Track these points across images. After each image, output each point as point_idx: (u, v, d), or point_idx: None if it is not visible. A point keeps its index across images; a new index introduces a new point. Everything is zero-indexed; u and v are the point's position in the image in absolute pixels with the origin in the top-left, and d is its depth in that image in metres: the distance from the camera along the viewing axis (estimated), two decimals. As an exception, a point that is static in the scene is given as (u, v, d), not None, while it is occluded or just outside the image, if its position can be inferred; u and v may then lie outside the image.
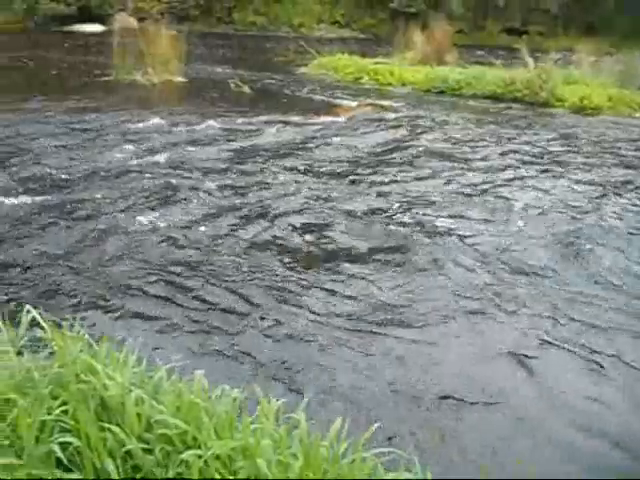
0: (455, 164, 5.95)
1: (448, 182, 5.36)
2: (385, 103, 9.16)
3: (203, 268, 3.49)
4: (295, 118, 7.71)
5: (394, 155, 6.23)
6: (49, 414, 1.56)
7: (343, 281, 3.41)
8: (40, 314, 2.02)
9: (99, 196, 4.57)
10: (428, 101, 9.87)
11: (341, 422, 1.68)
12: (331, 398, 2.42)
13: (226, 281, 3.34)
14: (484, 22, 23.69)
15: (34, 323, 1.99)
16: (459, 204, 4.78)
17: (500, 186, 5.31)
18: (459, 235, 4.14)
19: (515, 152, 6.59)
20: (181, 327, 2.87)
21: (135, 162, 5.50)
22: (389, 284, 3.39)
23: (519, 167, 5.98)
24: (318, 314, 3.05)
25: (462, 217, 4.51)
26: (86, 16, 20.40)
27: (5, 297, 2.91)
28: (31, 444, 1.46)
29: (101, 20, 19.98)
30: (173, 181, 4.99)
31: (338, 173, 5.48)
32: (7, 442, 1.55)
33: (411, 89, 10.88)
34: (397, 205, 4.69)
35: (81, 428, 1.54)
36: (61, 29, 19.47)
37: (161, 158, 5.64)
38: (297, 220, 4.29)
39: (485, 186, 5.29)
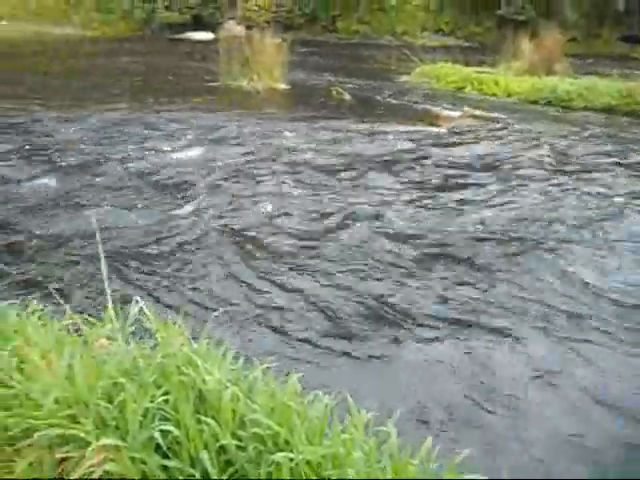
0: (563, 183, 5.57)
1: (555, 202, 5.01)
2: (489, 114, 8.87)
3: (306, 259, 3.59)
4: (395, 126, 7.67)
5: (496, 169, 6.00)
6: (152, 402, 1.64)
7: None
8: (146, 305, 2.14)
9: (205, 188, 4.82)
10: (534, 112, 9.46)
11: (431, 441, 1.64)
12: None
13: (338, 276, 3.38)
14: (600, 30, 22.35)
15: (141, 313, 2.12)
16: (565, 227, 4.48)
17: (609, 209, 4.91)
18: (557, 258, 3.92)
19: (629, 171, 6.12)
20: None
21: (238, 161, 5.78)
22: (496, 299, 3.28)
23: (633, 190, 5.48)
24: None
25: (565, 242, 4.22)
26: (198, 24, 21.55)
27: (117, 287, 3.10)
28: (135, 428, 1.54)
29: (212, 28, 21.04)
30: (268, 183, 5.16)
31: (438, 184, 5.37)
32: (114, 423, 1.65)
33: (517, 100, 10.47)
34: (497, 222, 4.50)
35: (180, 418, 1.61)
36: (174, 36, 20.68)
37: (260, 160, 5.86)
38: (391, 230, 4.25)
39: (595, 211, 4.87)
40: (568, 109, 9.70)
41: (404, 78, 12.40)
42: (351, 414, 1.72)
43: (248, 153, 6.12)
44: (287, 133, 7.04)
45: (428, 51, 15.21)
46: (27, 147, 5.97)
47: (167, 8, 21.58)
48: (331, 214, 4.50)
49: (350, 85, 10.77)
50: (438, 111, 9.05)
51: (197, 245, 3.88)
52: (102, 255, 2.21)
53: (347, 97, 9.71)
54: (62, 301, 2.23)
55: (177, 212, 4.45)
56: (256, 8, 22.16)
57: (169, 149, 6.09)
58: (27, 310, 2.21)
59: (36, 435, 1.61)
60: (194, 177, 5.22)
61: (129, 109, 8.04)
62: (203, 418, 1.61)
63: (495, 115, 8.83)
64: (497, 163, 6.25)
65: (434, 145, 6.84)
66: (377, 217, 4.47)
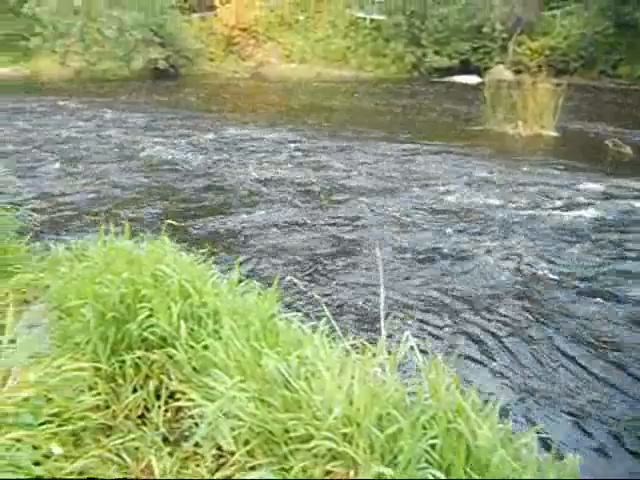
0: None
1: None
2: None
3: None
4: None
5: None
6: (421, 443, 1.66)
7: None
8: (418, 345, 2.19)
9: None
10: None
11: None
12: None
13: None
14: None
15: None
16: None
17: None
18: None
19: None
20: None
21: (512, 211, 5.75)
22: None
23: None
24: None
25: None
26: (466, 68, 21.85)
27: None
28: (408, 465, 1.57)
29: (478, 72, 21.14)
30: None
31: None
32: (380, 451, 1.71)
33: None
34: None
35: (447, 467, 1.60)
36: (440, 80, 21.31)
37: (522, 209, 5.64)
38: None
39: None
40: None
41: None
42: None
43: (516, 202, 6.00)
44: (558, 187, 6.64)
45: None
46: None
47: (437, 53, 22.33)
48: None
49: (632, 137, 9.69)
50: None
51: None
52: (382, 287, 2.33)
53: (627, 151, 8.75)
54: (335, 321, 2.42)
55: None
56: (528, 52, 21.57)
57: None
58: (308, 324, 2.44)
59: (313, 443, 1.75)
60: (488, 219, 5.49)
61: (379, 138, 8.67)
62: (470, 472, 1.57)
63: None
64: None
65: None
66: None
